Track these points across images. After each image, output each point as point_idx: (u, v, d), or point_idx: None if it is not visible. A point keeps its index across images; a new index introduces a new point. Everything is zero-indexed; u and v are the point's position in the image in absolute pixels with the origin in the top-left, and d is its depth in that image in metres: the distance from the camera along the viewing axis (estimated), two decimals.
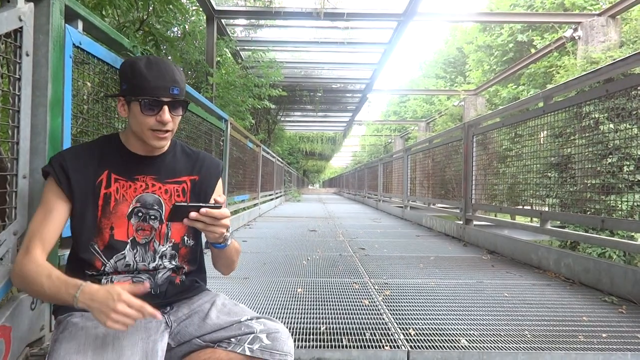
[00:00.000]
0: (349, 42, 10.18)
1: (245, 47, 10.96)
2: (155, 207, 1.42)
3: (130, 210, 1.39)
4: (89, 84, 2.29)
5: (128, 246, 1.38)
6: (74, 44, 1.98)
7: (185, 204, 1.22)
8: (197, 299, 1.49)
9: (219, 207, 1.23)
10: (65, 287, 1.15)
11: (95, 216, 1.35)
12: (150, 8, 4.79)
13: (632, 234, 5.12)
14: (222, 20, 8.95)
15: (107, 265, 1.35)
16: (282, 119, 19.57)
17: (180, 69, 1.41)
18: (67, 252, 1.93)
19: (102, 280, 1.35)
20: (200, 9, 8.29)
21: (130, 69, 1.34)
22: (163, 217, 1.43)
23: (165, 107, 1.33)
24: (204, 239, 1.55)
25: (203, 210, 1.20)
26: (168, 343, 1.34)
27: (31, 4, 1.71)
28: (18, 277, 1.24)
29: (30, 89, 1.73)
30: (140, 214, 1.40)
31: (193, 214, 1.20)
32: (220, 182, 1.62)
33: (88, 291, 1.11)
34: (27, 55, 1.70)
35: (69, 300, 1.12)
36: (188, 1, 8.10)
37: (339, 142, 32.92)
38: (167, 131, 1.37)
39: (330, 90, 15.63)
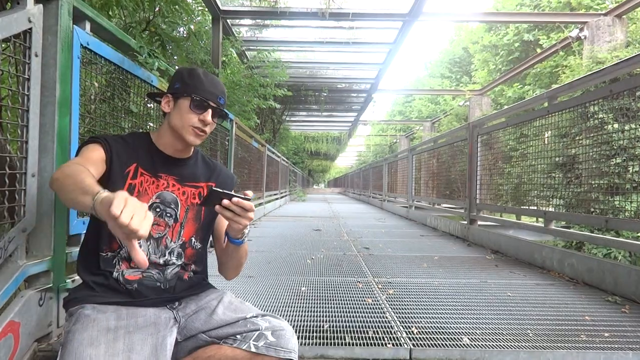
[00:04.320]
0: (354, 42, 10.17)
1: (251, 47, 10.97)
2: (172, 206, 1.49)
3: (149, 204, 1.44)
4: (96, 84, 2.32)
5: None
6: (81, 45, 2.01)
7: (221, 190, 1.27)
8: (205, 296, 1.53)
9: (249, 200, 1.29)
10: (89, 187, 1.11)
11: None
12: (157, 8, 4.82)
13: (638, 234, 5.11)
14: (228, 21, 8.97)
15: (123, 249, 1.39)
16: (287, 118, 19.58)
17: None
18: (75, 249, 1.97)
19: (114, 273, 1.39)
20: (206, 9, 8.32)
21: (188, 72, 1.50)
22: (178, 216, 1.50)
23: (210, 110, 1.47)
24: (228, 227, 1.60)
25: (235, 199, 1.26)
26: (175, 337, 1.37)
27: (40, 6, 1.74)
28: (59, 174, 1.21)
29: (39, 89, 1.76)
30: (158, 210, 1.46)
31: (225, 202, 1.26)
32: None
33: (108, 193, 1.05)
34: (36, 55, 1.73)
35: (93, 191, 1.08)
36: (194, 1, 8.12)
37: (344, 141, 32.91)
38: (204, 132, 1.48)
39: (335, 90, 15.62)
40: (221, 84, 1.52)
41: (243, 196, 1.29)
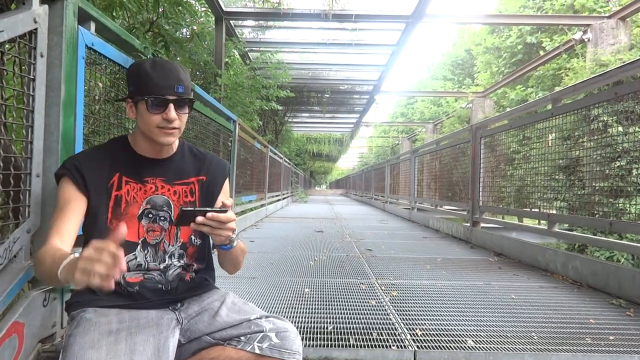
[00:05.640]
0: (357, 43, 10.18)
1: (254, 49, 11.00)
2: (165, 209, 1.46)
3: (140, 211, 1.42)
4: (100, 84, 2.32)
5: (139, 247, 1.41)
6: (86, 45, 2.01)
7: (192, 208, 1.22)
8: (207, 297, 1.51)
9: (225, 211, 1.24)
10: (59, 259, 1.08)
11: (106, 217, 1.38)
12: (160, 9, 4.83)
13: None
14: (231, 22, 8.99)
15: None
16: (290, 120, 19.59)
17: (185, 69, 1.44)
18: (79, 250, 1.96)
19: None
20: (209, 10, 8.34)
21: (136, 70, 1.39)
22: (172, 218, 1.46)
23: (171, 105, 1.36)
24: (211, 239, 1.58)
25: (209, 214, 1.21)
26: (178, 339, 1.36)
27: (45, 6, 1.74)
28: (35, 263, 1.23)
29: (44, 90, 1.76)
30: (150, 215, 1.43)
31: (200, 219, 1.21)
32: (227, 182, 1.65)
33: (74, 260, 1.02)
34: (42, 56, 1.73)
35: (56, 272, 1.05)
36: (197, 2, 8.14)
37: (346, 143, 32.88)
38: (174, 128, 1.39)
39: (337, 92, 15.63)
40: (176, 69, 1.38)
41: (219, 208, 1.23)
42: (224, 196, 1.60)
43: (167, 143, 1.42)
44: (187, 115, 1.44)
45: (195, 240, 1.52)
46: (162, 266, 1.43)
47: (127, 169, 1.44)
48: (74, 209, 1.33)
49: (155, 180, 1.46)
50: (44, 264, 1.16)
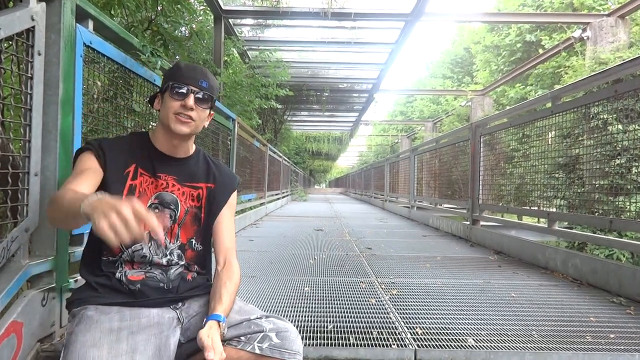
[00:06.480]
0: (356, 42, 10.15)
1: (253, 47, 10.97)
2: (172, 207, 1.47)
3: (148, 205, 1.44)
4: (99, 83, 2.31)
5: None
6: (84, 43, 2.00)
7: None
8: (208, 297, 1.50)
9: None
10: (82, 196, 1.08)
11: None
12: (159, 8, 4.82)
13: None
14: (230, 20, 8.97)
15: (125, 252, 1.39)
16: (289, 118, 19.59)
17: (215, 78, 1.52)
18: (78, 248, 1.96)
19: (117, 273, 1.38)
20: (208, 9, 8.32)
21: (172, 67, 1.49)
22: (177, 218, 1.48)
23: (191, 95, 1.42)
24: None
25: None
26: (178, 339, 1.36)
27: (43, 4, 1.73)
28: (52, 200, 1.23)
29: (42, 88, 1.75)
30: (156, 211, 1.45)
31: None
32: (234, 195, 1.67)
33: (99, 196, 1.03)
34: (39, 54, 1.72)
35: (78, 206, 1.02)
36: (196, 1, 8.12)
37: (346, 142, 32.88)
38: (190, 118, 1.43)
39: (337, 90, 15.61)
40: (203, 70, 1.49)
41: None
42: (229, 210, 1.62)
43: (180, 132, 1.44)
44: (206, 113, 1.49)
45: (196, 245, 1.53)
46: (164, 261, 1.44)
47: (144, 161, 1.46)
48: (91, 175, 1.34)
49: (168, 177, 1.49)
50: (63, 198, 1.16)
